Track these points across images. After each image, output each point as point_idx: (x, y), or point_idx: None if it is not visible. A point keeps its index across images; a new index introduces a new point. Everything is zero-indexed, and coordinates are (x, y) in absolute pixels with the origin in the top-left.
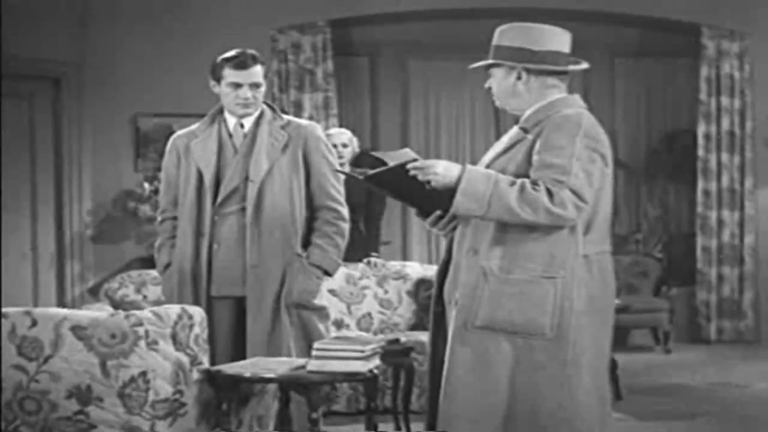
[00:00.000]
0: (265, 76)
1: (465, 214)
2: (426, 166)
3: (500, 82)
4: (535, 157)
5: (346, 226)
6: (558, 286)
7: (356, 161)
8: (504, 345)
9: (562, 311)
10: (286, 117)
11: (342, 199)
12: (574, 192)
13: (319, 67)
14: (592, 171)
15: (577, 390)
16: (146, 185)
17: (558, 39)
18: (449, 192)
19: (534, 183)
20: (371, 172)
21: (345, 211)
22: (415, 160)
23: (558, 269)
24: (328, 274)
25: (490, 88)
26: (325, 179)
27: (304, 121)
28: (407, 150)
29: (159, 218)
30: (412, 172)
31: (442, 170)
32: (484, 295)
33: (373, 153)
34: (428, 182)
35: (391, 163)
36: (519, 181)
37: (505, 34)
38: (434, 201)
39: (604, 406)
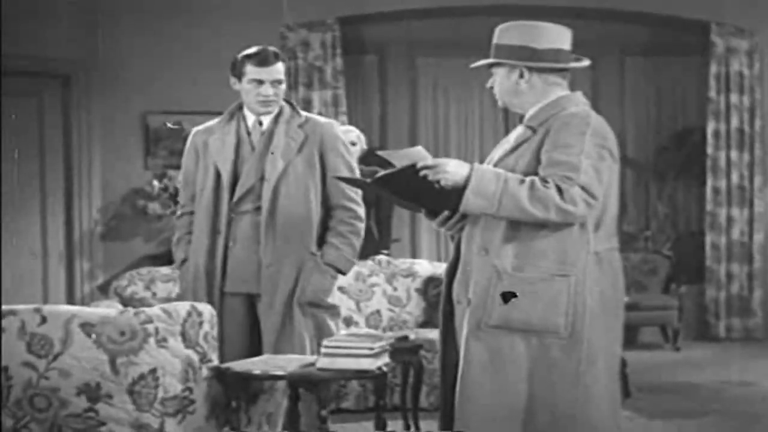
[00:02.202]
0: (287, 74)
1: (475, 213)
2: (436, 165)
3: (502, 81)
4: (543, 156)
5: (361, 226)
6: (571, 284)
7: (364, 159)
8: (519, 344)
9: (576, 309)
10: (304, 114)
11: (359, 198)
12: (583, 189)
13: (328, 65)
14: (602, 168)
15: (592, 387)
16: (155, 183)
17: (558, 36)
18: (459, 191)
19: (543, 180)
20: (379, 174)
21: (361, 210)
22: (424, 159)
23: (571, 267)
24: (341, 272)
25: (492, 87)
26: None
27: (322, 119)
28: (419, 148)
29: (178, 213)
30: (422, 172)
31: (452, 169)
32: (497, 295)
33: (380, 153)
34: (438, 182)
35: (399, 164)
36: (529, 178)
37: (505, 33)
38: (443, 200)
39: (616, 403)
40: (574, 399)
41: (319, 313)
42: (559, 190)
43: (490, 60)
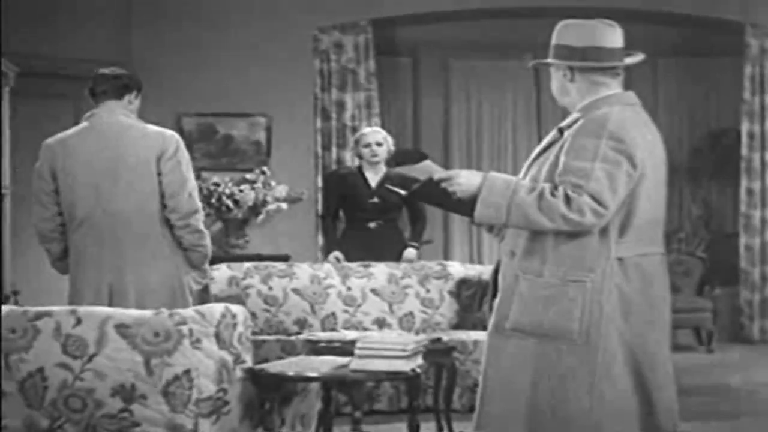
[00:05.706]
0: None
1: (487, 223)
2: (449, 177)
3: (554, 80)
4: (560, 160)
5: None
6: (587, 289)
7: (391, 162)
8: (530, 347)
9: (591, 316)
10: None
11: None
12: (593, 197)
13: (361, 67)
14: (616, 174)
15: (606, 394)
16: None
17: (601, 34)
18: (473, 201)
19: (555, 188)
20: (412, 189)
21: None
22: (435, 172)
23: (587, 273)
24: None
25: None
26: None
27: None
28: (428, 162)
29: None
30: (441, 185)
31: (464, 180)
32: (515, 298)
33: (397, 169)
34: (454, 193)
35: (420, 177)
36: (539, 187)
37: (555, 32)
38: (465, 210)
39: (652, 411)
40: (585, 406)
41: None
42: (567, 199)
43: (536, 61)
